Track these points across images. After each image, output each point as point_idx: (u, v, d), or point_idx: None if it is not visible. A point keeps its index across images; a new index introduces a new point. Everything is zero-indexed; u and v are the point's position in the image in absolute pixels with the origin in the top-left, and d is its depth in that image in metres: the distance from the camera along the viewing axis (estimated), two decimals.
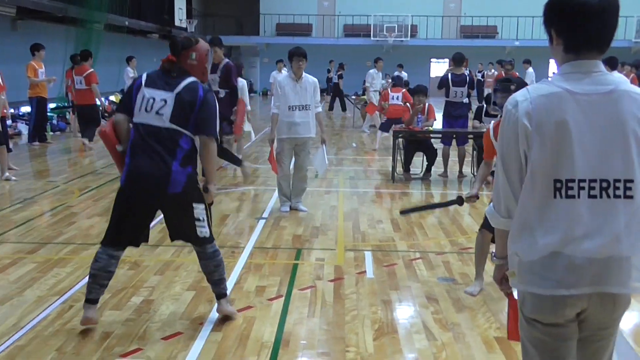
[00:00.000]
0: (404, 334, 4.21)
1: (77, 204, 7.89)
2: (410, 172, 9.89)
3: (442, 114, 10.22)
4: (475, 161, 9.70)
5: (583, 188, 2.11)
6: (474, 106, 10.77)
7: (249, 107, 10.69)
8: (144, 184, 4.01)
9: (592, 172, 2.11)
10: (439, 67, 32.84)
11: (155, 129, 3.98)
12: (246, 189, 8.98)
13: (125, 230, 4.15)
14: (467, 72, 10.12)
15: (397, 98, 13.05)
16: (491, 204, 2.36)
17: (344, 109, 22.39)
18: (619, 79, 2.20)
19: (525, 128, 2.14)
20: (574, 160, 2.10)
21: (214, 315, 4.46)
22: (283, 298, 4.82)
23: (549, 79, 2.21)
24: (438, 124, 10.58)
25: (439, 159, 10.00)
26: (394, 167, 9.73)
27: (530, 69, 19.15)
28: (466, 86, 9.80)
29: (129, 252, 5.79)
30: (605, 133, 2.11)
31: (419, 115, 9.62)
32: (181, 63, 4.09)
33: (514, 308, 2.53)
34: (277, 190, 7.77)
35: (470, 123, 10.15)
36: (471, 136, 9.76)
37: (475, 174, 9.61)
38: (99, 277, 4.15)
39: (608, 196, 2.11)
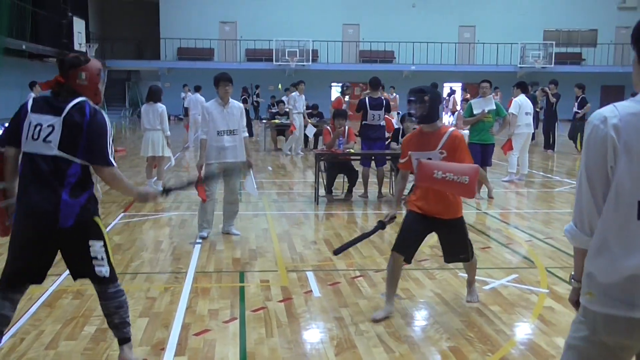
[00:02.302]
0: (363, 349, 4.38)
1: None
2: (333, 194, 10.15)
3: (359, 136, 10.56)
4: (393, 181, 10.09)
5: None
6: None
7: (168, 133, 10.63)
8: (33, 219, 3.64)
9: None
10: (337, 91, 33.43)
11: (44, 158, 3.60)
12: (173, 214, 8.93)
13: (20, 270, 3.75)
14: (382, 96, 10.54)
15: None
16: (571, 222, 2.31)
17: (250, 134, 22.53)
18: None
19: (614, 144, 2.11)
20: None
21: (174, 339, 4.48)
22: (238, 320, 4.90)
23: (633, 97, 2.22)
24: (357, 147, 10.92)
25: (359, 180, 10.32)
26: (316, 189, 9.95)
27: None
28: (383, 109, 10.19)
29: (69, 282, 5.71)
30: None
31: (340, 138, 9.91)
32: (70, 84, 3.71)
33: None
34: (197, 216, 7.69)
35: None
36: (389, 157, 10.14)
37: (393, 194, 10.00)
38: None
39: None
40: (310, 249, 7.11)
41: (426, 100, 4.84)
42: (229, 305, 5.22)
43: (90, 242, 3.73)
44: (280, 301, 5.34)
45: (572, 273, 2.45)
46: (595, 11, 36.16)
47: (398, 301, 5.36)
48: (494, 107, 10.27)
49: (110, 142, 3.73)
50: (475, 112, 10.25)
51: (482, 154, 10.20)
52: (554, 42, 35.21)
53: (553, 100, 17.89)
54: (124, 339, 3.97)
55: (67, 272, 5.99)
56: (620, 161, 2.11)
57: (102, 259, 3.77)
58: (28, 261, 3.74)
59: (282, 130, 18.14)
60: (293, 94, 16.96)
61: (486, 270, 6.27)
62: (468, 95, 19.77)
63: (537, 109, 19.28)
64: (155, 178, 10.88)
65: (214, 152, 7.36)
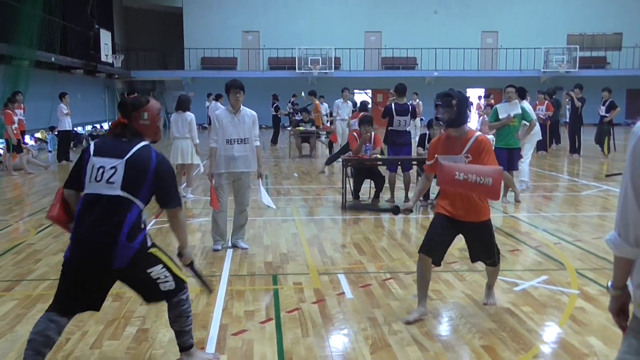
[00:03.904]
0: (397, 348, 4.47)
1: (37, 242, 7.80)
2: (360, 199, 10.25)
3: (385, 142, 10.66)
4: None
5: None
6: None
7: (197, 141, 10.83)
8: (88, 256, 3.73)
9: None
10: (361, 98, 33.53)
11: (104, 198, 3.73)
12: (203, 220, 9.09)
13: (73, 300, 3.85)
14: (409, 102, 10.64)
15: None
16: (614, 231, 2.29)
17: (275, 141, 22.80)
18: None
19: None
20: None
21: (213, 339, 4.62)
22: (274, 321, 5.02)
23: None
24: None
25: (386, 185, 10.41)
26: (344, 195, 10.06)
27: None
28: (409, 115, 10.28)
29: None
30: None
31: (367, 144, 10.02)
32: (133, 125, 3.93)
33: None
34: (211, 228, 7.49)
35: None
36: (415, 162, 10.23)
37: (421, 198, 10.07)
38: (35, 343, 3.71)
39: None
40: (340, 252, 7.22)
41: (454, 104, 4.89)
42: (264, 307, 5.34)
43: (149, 270, 3.85)
44: (314, 303, 5.45)
45: (611, 281, 2.41)
46: (620, 15, 35.91)
47: (430, 302, 5.43)
48: (520, 112, 10.31)
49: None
50: (500, 116, 10.30)
51: (508, 158, 10.24)
52: (577, 46, 35.02)
53: (578, 104, 17.81)
54: (181, 347, 4.12)
55: None
56: None
57: (166, 277, 3.90)
58: (82, 294, 3.84)
59: (307, 138, 18.28)
60: (337, 101, 17.07)
61: (516, 272, 6.33)
62: (492, 101, 19.77)
63: (560, 114, 19.22)
64: (185, 184, 11.07)
65: (224, 162, 7.15)
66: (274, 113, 23.17)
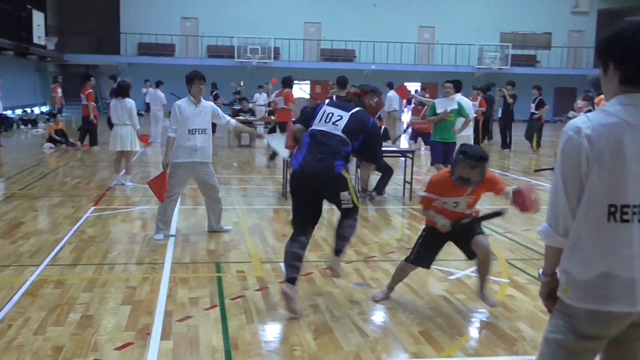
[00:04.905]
0: (339, 333, 4.64)
1: None
2: None
3: None
4: (358, 175, 10.39)
5: (635, 213, 2.29)
6: None
7: (138, 127, 10.74)
8: (311, 177, 4.95)
9: None
10: (299, 89, 33.60)
11: (329, 135, 4.96)
12: (144, 208, 9.07)
13: (303, 218, 5.26)
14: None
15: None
16: (545, 223, 2.48)
17: (214, 129, 22.70)
18: None
19: (587, 153, 2.29)
20: (628, 187, 2.28)
21: (158, 325, 4.68)
22: (218, 307, 5.11)
23: (603, 108, 2.40)
24: None
25: None
26: (284, 185, 10.18)
27: (391, 92, 20.34)
28: None
29: (49, 272, 5.88)
30: None
31: None
32: (364, 99, 5.36)
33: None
34: (157, 215, 7.42)
35: None
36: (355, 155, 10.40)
37: (359, 190, 10.29)
38: (290, 258, 5.11)
39: None
40: (281, 242, 7.30)
41: (486, 167, 4.84)
42: (208, 294, 5.43)
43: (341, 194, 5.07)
44: (257, 290, 5.57)
45: (542, 269, 2.60)
46: (550, 15, 37.17)
47: (369, 290, 5.64)
48: (457, 107, 10.65)
49: None
50: (438, 111, 10.61)
51: (444, 152, 10.57)
52: (510, 44, 36.09)
53: (510, 101, 18.44)
54: (337, 251, 5.18)
55: (47, 262, 6.17)
56: (593, 169, 2.29)
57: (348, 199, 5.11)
58: (306, 211, 5.21)
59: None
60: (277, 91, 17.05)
61: (450, 262, 6.59)
62: (427, 95, 20.27)
63: (493, 110, 19.83)
64: (124, 172, 10.97)
65: (185, 151, 7.22)
66: (213, 102, 23.02)
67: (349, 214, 5.18)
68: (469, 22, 36.11)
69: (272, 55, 33.81)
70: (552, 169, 8.70)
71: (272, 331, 4.69)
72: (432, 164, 10.89)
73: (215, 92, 22.99)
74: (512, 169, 15.05)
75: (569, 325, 2.42)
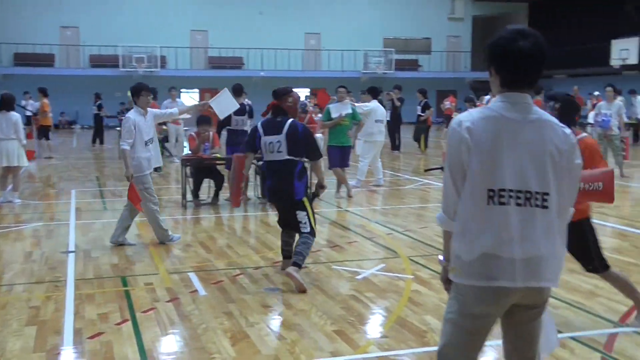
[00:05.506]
0: (256, 338, 4.68)
1: None
2: (199, 198, 10.31)
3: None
4: (258, 184, 10.43)
5: (511, 197, 2.51)
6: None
7: (24, 142, 10.29)
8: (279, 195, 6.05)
9: (518, 184, 2.52)
10: (187, 97, 33.08)
11: (280, 162, 5.94)
12: (37, 225, 8.70)
13: (283, 223, 6.24)
14: (246, 102, 10.85)
15: None
16: (441, 210, 2.72)
17: (102, 141, 22.08)
18: (542, 111, 2.65)
19: (467, 143, 2.54)
20: (505, 173, 2.51)
21: (69, 344, 4.54)
22: (130, 321, 5.01)
23: (488, 105, 2.68)
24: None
25: (225, 184, 10.54)
26: (183, 194, 10.06)
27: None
28: (246, 115, 10.50)
29: None
30: (529, 152, 2.54)
31: (206, 144, 10.11)
32: (282, 106, 6.02)
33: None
34: (157, 222, 7.49)
35: None
36: (254, 161, 10.45)
37: (259, 196, 10.34)
38: (283, 242, 6.31)
39: (530, 205, 2.52)
40: (186, 252, 7.28)
41: (557, 108, 4.69)
42: (118, 309, 5.31)
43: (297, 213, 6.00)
44: (168, 301, 5.51)
45: (442, 255, 2.82)
46: (429, 21, 38.64)
47: (280, 294, 5.71)
48: (351, 111, 10.92)
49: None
50: (333, 116, 10.84)
51: (340, 156, 10.82)
52: (393, 50, 37.21)
53: (398, 104, 19.08)
54: (294, 263, 5.84)
55: None
56: (473, 157, 2.54)
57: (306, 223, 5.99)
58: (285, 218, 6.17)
59: None
60: (165, 101, 16.56)
61: (356, 262, 6.79)
62: (317, 101, 20.66)
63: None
64: (10, 187, 10.46)
65: (146, 163, 7.33)
66: (97, 112, 22.34)
67: (304, 235, 5.98)
68: (354, 28, 36.92)
69: (159, 64, 33.16)
70: (441, 168, 9.08)
71: (188, 341, 4.66)
72: (329, 168, 11.10)
73: (99, 103, 22.28)
74: (402, 169, 15.57)
75: (459, 305, 2.64)
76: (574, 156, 2.62)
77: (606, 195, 4.34)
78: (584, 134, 4.77)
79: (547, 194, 2.55)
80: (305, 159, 6.14)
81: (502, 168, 2.52)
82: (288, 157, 5.90)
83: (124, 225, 7.52)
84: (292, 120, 6.00)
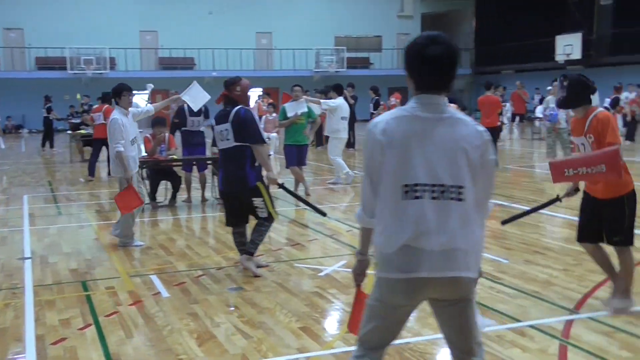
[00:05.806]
0: (223, 338, 4.69)
1: None
2: (157, 201, 10.22)
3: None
4: (215, 185, 10.40)
5: (425, 191, 2.62)
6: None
7: None
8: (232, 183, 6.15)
9: (432, 178, 2.62)
10: (138, 98, 32.68)
11: (230, 150, 6.10)
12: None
13: (231, 216, 6.35)
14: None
15: None
16: (359, 209, 2.86)
17: (52, 144, 21.63)
18: (455, 110, 2.78)
19: (381, 143, 2.67)
20: (418, 169, 2.63)
21: (31, 351, 4.49)
22: (93, 326, 4.97)
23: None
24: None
25: (182, 185, 10.48)
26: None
27: None
28: (202, 115, 10.45)
29: None
30: (442, 148, 2.64)
31: (162, 145, 10.03)
32: (232, 96, 6.17)
33: (361, 302, 3.04)
34: (122, 228, 7.52)
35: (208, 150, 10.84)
36: (210, 162, 10.43)
37: (216, 197, 10.30)
38: (237, 242, 6.41)
39: (445, 198, 2.63)
40: (147, 254, 7.22)
41: (565, 85, 4.86)
42: (80, 314, 5.25)
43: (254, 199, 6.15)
44: (131, 304, 5.47)
45: (358, 249, 3.00)
46: (379, 19, 38.97)
47: (244, 293, 5.72)
48: (307, 110, 10.97)
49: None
50: (288, 115, 10.88)
51: (297, 154, 10.86)
52: (344, 48, 37.40)
53: (351, 102, 19.16)
54: (246, 251, 6.26)
55: None
56: (387, 155, 2.66)
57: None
58: (237, 213, 6.33)
59: (90, 141, 17.54)
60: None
61: (318, 259, 6.85)
62: (271, 100, 20.63)
63: None
64: None
65: (133, 161, 7.45)
66: (46, 115, 21.86)
67: (261, 223, 6.22)
68: (305, 27, 36.98)
69: (108, 66, 32.64)
70: None
71: (154, 343, 4.64)
72: (287, 167, 11.13)
73: (48, 105, 21.81)
74: (358, 166, 15.68)
75: (378, 294, 2.77)
76: (487, 152, 2.72)
77: (611, 174, 4.46)
78: (600, 109, 4.87)
79: (461, 187, 2.64)
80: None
81: (415, 164, 2.63)
82: (236, 143, 6.02)
83: (131, 225, 7.60)
84: (238, 108, 6.10)
